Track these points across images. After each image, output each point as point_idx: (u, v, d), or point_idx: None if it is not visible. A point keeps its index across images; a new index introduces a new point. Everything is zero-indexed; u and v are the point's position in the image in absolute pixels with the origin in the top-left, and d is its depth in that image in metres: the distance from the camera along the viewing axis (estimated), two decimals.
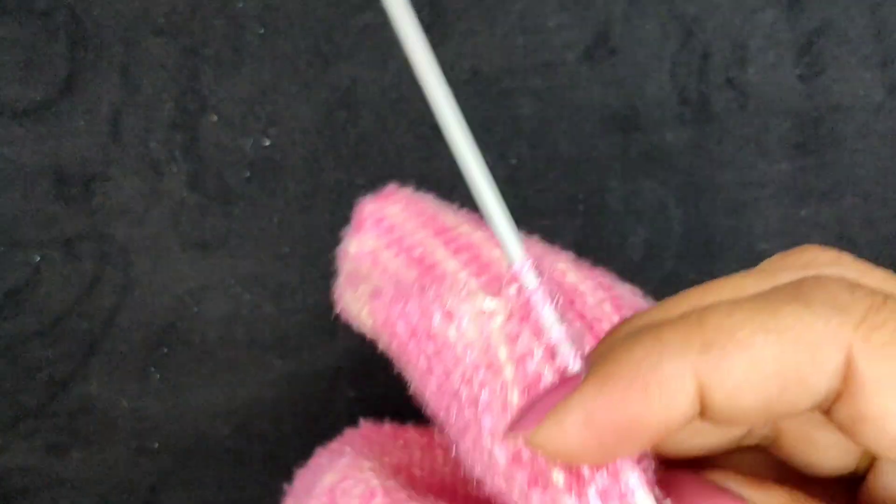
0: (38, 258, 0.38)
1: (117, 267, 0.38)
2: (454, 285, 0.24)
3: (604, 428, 0.19)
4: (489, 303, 0.23)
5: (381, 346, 0.26)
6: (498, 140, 0.38)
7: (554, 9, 0.39)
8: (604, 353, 0.20)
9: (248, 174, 0.38)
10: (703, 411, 0.19)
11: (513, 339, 0.22)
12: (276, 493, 0.31)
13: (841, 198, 0.38)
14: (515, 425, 0.21)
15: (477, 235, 0.27)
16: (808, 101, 0.38)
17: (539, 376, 0.22)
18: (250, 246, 0.38)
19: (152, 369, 0.39)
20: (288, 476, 0.31)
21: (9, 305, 0.38)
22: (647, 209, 0.38)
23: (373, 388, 0.39)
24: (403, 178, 0.39)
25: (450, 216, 0.28)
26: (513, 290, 0.22)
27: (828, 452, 0.23)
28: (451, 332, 0.23)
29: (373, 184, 0.39)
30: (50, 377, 0.39)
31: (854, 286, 0.19)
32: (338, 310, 0.28)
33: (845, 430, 0.19)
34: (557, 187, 0.38)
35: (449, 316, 0.23)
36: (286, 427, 0.39)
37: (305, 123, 0.38)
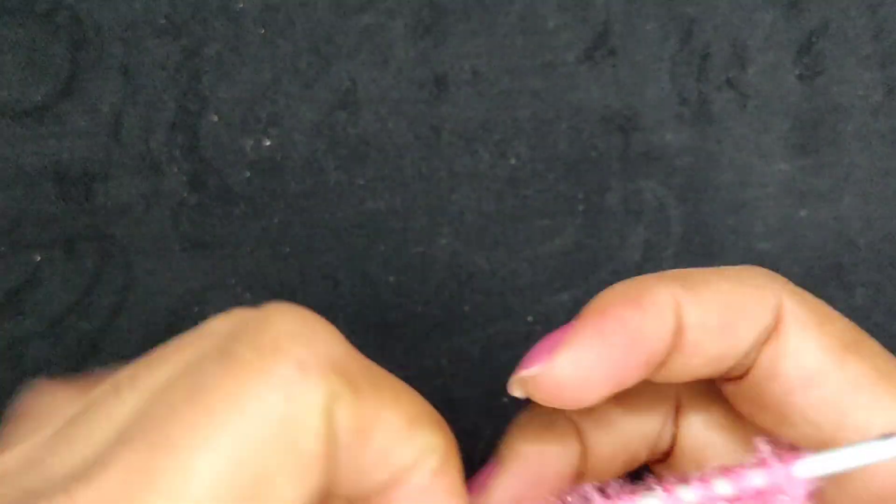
0: (39, 258, 0.38)
1: (118, 267, 0.38)
2: None
3: (612, 346, 0.22)
4: None
5: None
6: (498, 140, 0.38)
7: (553, 9, 0.39)
8: (596, 298, 0.23)
9: (248, 174, 0.38)
10: (678, 337, 0.23)
11: None
12: None
13: (840, 198, 0.38)
14: (521, 368, 0.23)
15: None
16: (807, 101, 0.38)
17: None
18: (251, 246, 0.38)
19: None
20: None
21: (9, 306, 0.38)
22: (646, 209, 0.38)
23: None
24: (404, 178, 0.39)
25: None
26: None
27: None
28: None
29: (373, 184, 0.39)
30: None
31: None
32: None
33: (763, 377, 0.24)
34: (557, 187, 0.38)
35: None
36: None
37: (306, 124, 0.38)
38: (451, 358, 0.38)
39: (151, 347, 0.22)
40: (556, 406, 0.23)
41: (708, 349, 0.23)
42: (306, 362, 0.17)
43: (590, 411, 0.25)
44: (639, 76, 0.38)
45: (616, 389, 0.22)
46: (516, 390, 0.23)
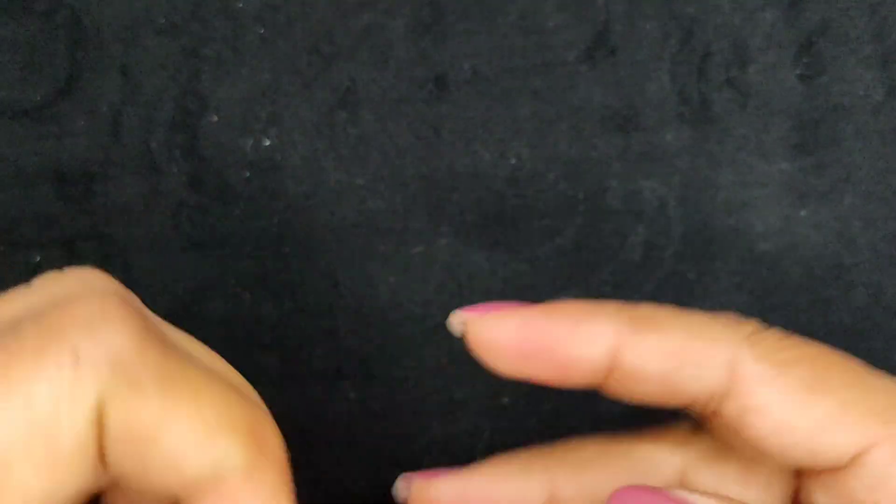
0: (39, 258, 0.38)
1: (117, 267, 0.38)
2: None
3: (532, 338, 0.24)
4: None
5: None
6: (497, 140, 0.38)
7: (553, 9, 0.39)
8: (556, 303, 0.25)
9: (248, 174, 0.38)
10: (612, 369, 0.24)
11: None
12: None
13: (841, 198, 0.38)
14: (466, 309, 0.26)
15: None
16: (808, 101, 0.38)
17: None
18: (250, 246, 0.38)
19: None
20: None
21: None
22: (646, 209, 0.38)
23: (373, 389, 0.39)
24: (404, 178, 0.39)
25: None
26: None
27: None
28: None
29: (373, 183, 0.39)
30: None
31: (748, 322, 0.25)
32: None
33: (734, 427, 0.24)
34: (557, 187, 0.38)
35: None
36: (286, 427, 0.39)
37: (306, 123, 0.38)
38: (451, 358, 0.38)
39: None
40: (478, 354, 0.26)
41: (646, 391, 0.25)
42: (84, 354, 0.17)
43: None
44: (639, 76, 0.38)
45: (524, 372, 0.25)
46: (455, 324, 0.27)
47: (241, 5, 0.39)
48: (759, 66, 0.39)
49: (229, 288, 0.38)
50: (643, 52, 0.39)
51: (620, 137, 0.38)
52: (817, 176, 0.38)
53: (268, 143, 0.39)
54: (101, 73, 0.39)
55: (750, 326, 0.25)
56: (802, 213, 0.38)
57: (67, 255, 0.38)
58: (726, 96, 0.38)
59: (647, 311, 0.25)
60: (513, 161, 0.38)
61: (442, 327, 0.38)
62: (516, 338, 0.25)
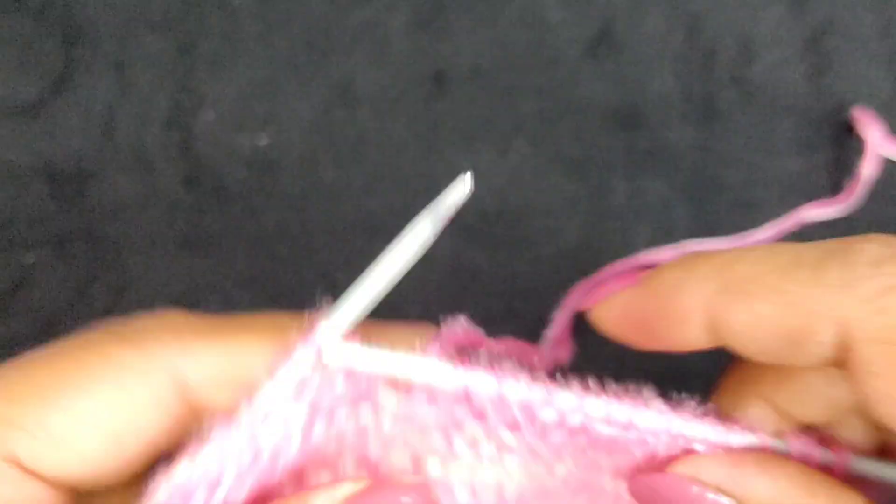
0: (32, 259, 0.38)
1: (112, 267, 0.38)
2: None
3: (635, 316, 0.25)
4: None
5: None
6: (499, 138, 0.38)
7: (556, 4, 0.38)
8: (658, 268, 0.26)
9: (244, 173, 0.38)
10: (719, 337, 0.23)
11: None
12: None
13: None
14: (583, 300, 0.28)
15: None
16: (814, 98, 0.38)
17: None
18: (247, 246, 0.38)
19: None
20: None
21: (2, 306, 0.38)
22: (650, 208, 0.38)
23: None
24: (403, 176, 0.38)
25: None
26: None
27: None
28: None
29: (371, 182, 0.39)
30: None
31: (882, 262, 0.20)
32: None
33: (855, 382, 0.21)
34: (560, 186, 0.38)
35: None
36: None
37: (303, 121, 0.38)
38: None
39: None
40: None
41: (762, 350, 0.23)
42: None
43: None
44: (643, 73, 0.38)
45: (644, 345, 0.26)
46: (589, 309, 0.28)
47: (237, 1, 0.39)
48: (764, 63, 0.38)
49: (225, 288, 0.38)
50: (647, 48, 0.38)
51: (624, 135, 0.38)
52: (823, 174, 0.38)
53: (264, 140, 0.38)
54: (95, 71, 0.38)
55: (874, 282, 0.21)
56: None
57: (61, 255, 0.38)
58: (731, 94, 0.38)
59: (743, 271, 0.23)
60: (514, 159, 0.38)
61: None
62: (624, 317, 0.26)
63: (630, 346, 0.27)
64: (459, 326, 0.27)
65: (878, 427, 0.25)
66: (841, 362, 0.21)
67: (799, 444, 0.24)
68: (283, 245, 0.38)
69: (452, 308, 0.29)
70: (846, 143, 0.38)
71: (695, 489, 0.23)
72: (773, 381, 0.25)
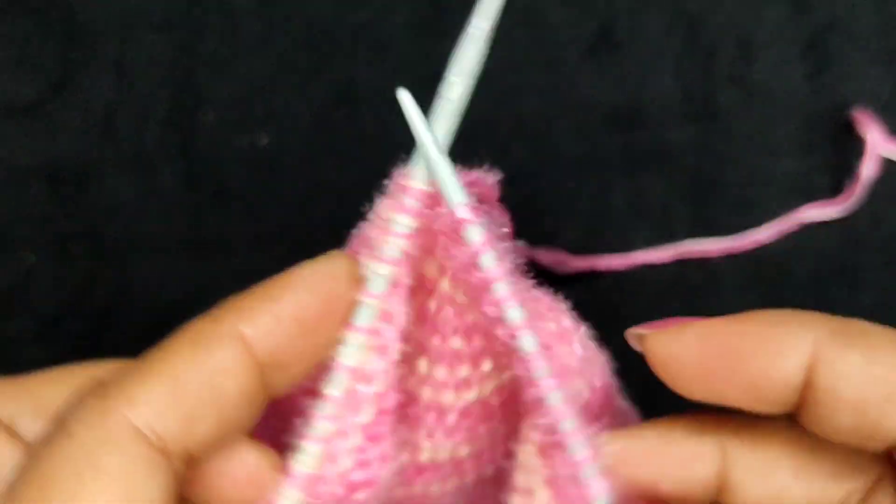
0: (33, 258, 0.38)
1: (112, 267, 0.38)
2: None
3: (716, 352, 0.21)
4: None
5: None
6: (500, 138, 0.38)
7: (556, 4, 0.38)
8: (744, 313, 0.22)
9: (244, 173, 0.38)
10: (807, 391, 0.20)
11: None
12: None
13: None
14: (643, 325, 0.23)
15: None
16: (814, 98, 0.38)
17: None
18: (247, 246, 0.38)
19: None
20: None
21: (3, 307, 0.38)
22: (651, 208, 0.38)
23: None
24: None
25: None
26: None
27: None
28: None
29: (372, 183, 0.39)
30: None
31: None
32: None
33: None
34: (560, 186, 0.38)
35: None
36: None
37: (303, 121, 0.38)
38: None
39: (146, 349, 0.22)
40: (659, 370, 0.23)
41: (838, 425, 0.21)
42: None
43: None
44: (643, 73, 0.38)
45: (710, 393, 0.22)
46: (631, 339, 0.24)
47: (237, 1, 0.39)
48: (764, 62, 0.38)
49: (225, 290, 0.38)
50: (647, 48, 0.38)
51: (624, 135, 0.38)
52: (824, 174, 0.38)
53: (265, 141, 0.38)
54: (95, 71, 0.38)
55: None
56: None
57: (61, 254, 0.38)
58: (731, 94, 0.38)
59: (855, 324, 0.21)
60: (514, 159, 0.38)
61: None
62: (698, 353, 0.22)
63: (685, 392, 0.23)
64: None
65: None
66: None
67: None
68: (283, 245, 0.38)
69: None
70: (846, 143, 0.38)
71: None
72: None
